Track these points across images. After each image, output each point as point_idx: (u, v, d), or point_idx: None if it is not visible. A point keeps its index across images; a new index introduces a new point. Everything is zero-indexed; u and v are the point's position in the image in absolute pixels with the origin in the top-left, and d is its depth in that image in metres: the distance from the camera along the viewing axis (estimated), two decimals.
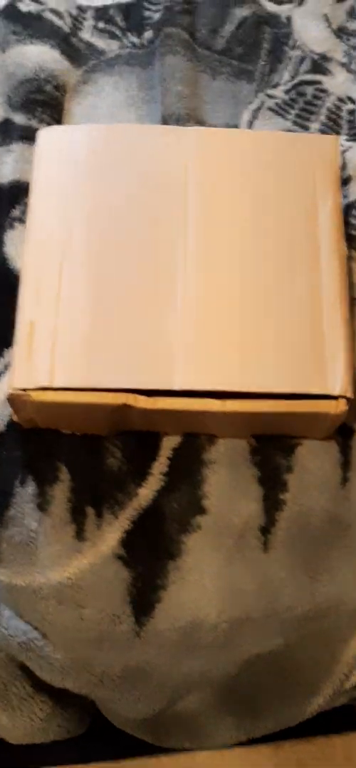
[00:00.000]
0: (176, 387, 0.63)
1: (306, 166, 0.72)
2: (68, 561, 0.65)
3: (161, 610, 0.65)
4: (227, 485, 0.68)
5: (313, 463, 0.68)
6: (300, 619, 0.67)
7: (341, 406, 0.63)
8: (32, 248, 0.69)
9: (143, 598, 0.65)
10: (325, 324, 0.66)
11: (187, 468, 0.68)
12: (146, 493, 0.67)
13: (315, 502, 0.67)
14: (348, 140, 0.83)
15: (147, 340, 0.65)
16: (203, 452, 0.69)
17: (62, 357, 0.64)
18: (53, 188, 0.72)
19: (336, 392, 0.63)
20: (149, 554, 0.66)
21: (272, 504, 0.67)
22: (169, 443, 0.68)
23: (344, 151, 0.82)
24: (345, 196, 0.79)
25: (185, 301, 0.66)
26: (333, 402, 0.63)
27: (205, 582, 0.66)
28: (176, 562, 0.66)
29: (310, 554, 0.66)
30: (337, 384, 0.63)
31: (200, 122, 0.84)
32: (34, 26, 0.89)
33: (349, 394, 0.63)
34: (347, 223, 0.77)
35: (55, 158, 0.74)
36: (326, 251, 0.68)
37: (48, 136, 0.75)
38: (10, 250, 0.75)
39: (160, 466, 0.68)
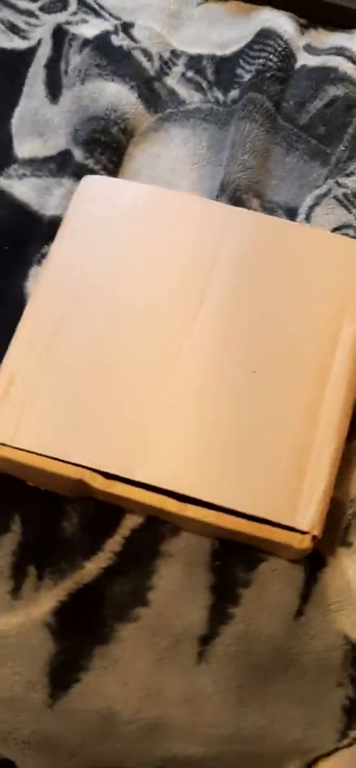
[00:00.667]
0: (137, 478, 0.61)
1: (344, 276, 0.68)
2: None
3: (78, 691, 0.63)
4: (178, 584, 0.64)
5: (273, 584, 0.64)
6: (222, 738, 0.63)
7: (305, 543, 0.59)
8: (39, 295, 0.69)
9: (63, 674, 0.63)
10: (313, 455, 0.61)
11: (141, 553, 0.65)
12: (92, 568, 0.64)
13: (263, 627, 0.63)
14: None
15: (122, 424, 0.63)
16: (163, 542, 0.65)
17: (32, 417, 0.63)
18: (78, 239, 0.72)
19: (302, 527, 0.59)
20: (79, 632, 0.64)
21: (218, 615, 0.63)
22: (129, 522, 0.65)
23: None
24: None
25: (171, 394, 0.64)
26: (298, 536, 0.59)
27: (129, 677, 0.63)
28: (103, 648, 0.63)
29: (245, 679, 0.62)
30: (306, 519, 0.59)
31: (260, 196, 0.81)
32: (119, 63, 0.89)
33: (316, 532, 0.59)
34: None
35: (89, 209, 0.73)
36: (336, 378, 0.64)
37: (90, 183, 0.75)
38: (31, 286, 0.75)
39: (113, 545, 0.65)
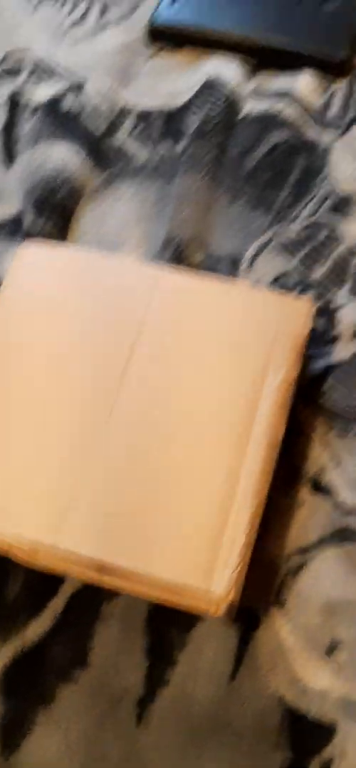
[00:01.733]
0: (58, 545, 0.60)
1: (267, 332, 0.67)
2: None
3: (27, 750, 0.62)
4: (116, 646, 0.64)
5: (208, 647, 0.63)
6: None
7: (221, 609, 0.58)
8: None
9: (13, 733, 0.62)
10: (231, 518, 0.60)
11: (81, 615, 0.64)
12: (36, 629, 0.64)
13: (199, 690, 0.62)
14: (348, 295, 0.76)
15: (44, 490, 0.62)
16: (102, 604, 0.65)
17: None
18: (12, 306, 0.72)
19: (218, 592, 0.58)
20: (24, 692, 0.63)
21: (155, 678, 0.62)
22: (71, 584, 0.65)
23: (339, 308, 0.75)
24: (325, 355, 0.73)
25: (93, 461, 0.63)
26: (213, 601, 0.58)
27: (70, 738, 0.62)
28: (46, 708, 0.62)
29: (183, 743, 0.61)
30: (222, 583, 0.58)
31: (203, 249, 0.80)
32: (69, 125, 0.89)
33: (231, 598, 0.57)
34: (320, 386, 0.71)
35: (24, 275, 0.73)
36: (258, 433, 0.63)
37: (27, 249, 0.75)
38: None
39: (55, 606, 0.65)
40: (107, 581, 0.60)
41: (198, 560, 0.59)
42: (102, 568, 0.60)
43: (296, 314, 0.68)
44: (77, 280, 0.72)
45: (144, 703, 0.61)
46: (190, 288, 0.71)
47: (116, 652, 0.63)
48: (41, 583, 0.65)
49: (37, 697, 0.62)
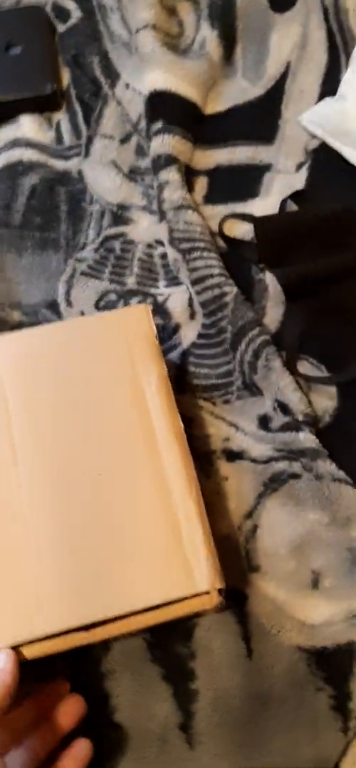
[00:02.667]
0: (38, 635, 0.56)
1: (122, 347, 0.66)
2: None
3: None
4: (134, 691, 0.61)
5: (215, 642, 0.62)
6: None
7: (214, 600, 0.57)
8: None
9: None
10: (179, 516, 0.59)
11: (87, 685, 0.60)
12: None
13: (228, 683, 0.61)
14: (167, 286, 0.78)
15: (7, 593, 0.57)
16: (100, 664, 0.61)
17: None
18: None
19: (204, 588, 0.57)
20: None
21: (184, 698, 0.61)
22: (63, 662, 0.60)
23: (165, 300, 0.77)
24: (177, 345, 0.74)
25: (36, 537, 0.59)
26: (205, 597, 0.57)
27: None
28: None
29: (238, 735, 0.60)
30: (204, 577, 0.57)
31: (16, 306, 0.77)
32: None
33: (218, 585, 0.57)
34: (186, 372, 0.73)
35: None
36: (162, 435, 0.62)
37: None
38: None
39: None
40: (99, 635, 0.57)
41: (172, 571, 0.58)
42: (90, 628, 0.57)
43: (138, 320, 0.68)
44: None
45: (187, 725, 0.60)
46: (34, 343, 0.68)
47: (137, 697, 0.61)
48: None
49: None
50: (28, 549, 0.59)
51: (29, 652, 0.56)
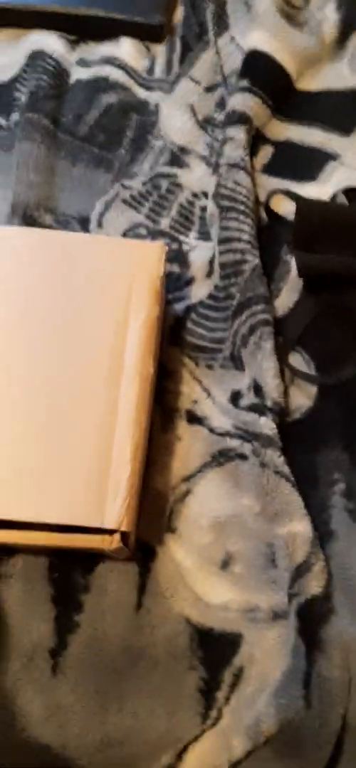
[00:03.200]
0: None
1: (125, 276, 0.65)
2: None
3: None
4: (20, 603, 0.61)
5: (111, 584, 0.61)
6: (94, 745, 0.59)
7: (115, 542, 0.56)
8: None
9: None
10: (114, 452, 0.59)
11: None
12: None
13: (109, 627, 0.60)
14: (197, 238, 0.76)
15: None
16: (0, 565, 0.62)
17: None
18: None
19: (110, 526, 0.56)
20: None
21: (64, 625, 0.60)
22: None
23: (190, 250, 0.75)
24: (185, 298, 0.72)
25: None
26: (107, 537, 0.57)
27: None
28: None
29: (101, 682, 0.59)
30: (113, 517, 0.56)
31: (51, 211, 0.77)
32: None
33: (124, 527, 0.56)
34: (183, 327, 0.71)
35: None
36: (128, 372, 0.62)
37: None
38: None
39: None
40: (4, 537, 0.57)
41: (88, 499, 0.58)
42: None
43: (150, 257, 0.67)
44: None
45: (57, 652, 0.59)
46: (41, 243, 0.68)
47: (21, 609, 0.60)
48: None
49: None
50: None
51: None
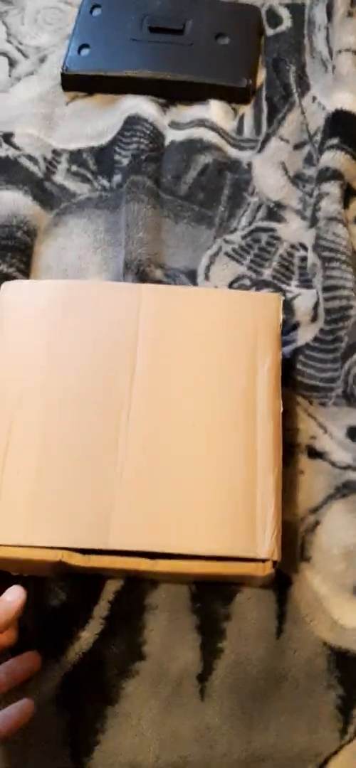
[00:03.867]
0: (109, 546, 0.61)
1: (250, 325, 0.71)
2: None
3: (100, 752, 0.62)
4: (167, 632, 0.65)
5: (251, 612, 0.65)
6: (238, 763, 0.63)
7: (267, 569, 0.61)
8: None
9: (82, 741, 0.62)
10: (258, 486, 0.63)
11: (128, 612, 0.65)
12: (87, 636, 0.64)
13: (251, 652, 0.64)
14: (298, 286, 0.81)
15: (85, 499, 0.63)
16: (145, 597, 0.66)
17: (3, 513, 0.63)
18: (11, 343, 0.71)
19: (262, 556, 0.61)
20: (88, 698, 0.63)
21: (209, 652, 0.64)
22: (111, 586, 0.66)
23: (293, 298, 0.80)
24: (292, 341, 0.77)
25: (124, 460, 0.64)
26: (260, 565, 0.61)
27: (142, 727, 0.62)
28: (114, 707, 0.63)
29: (246, 703, 0.63)
30: (265, 547, 0.61)
31: (161, 266, 0.82)
32: (9, 171, 0.89)
33: (276, 557, 0.61)
34: (293, 368, 0.75)
35: (15, 313, 0.73)
36: (262, 411, 0.66)
37: (10, 289, 0.74)
38: None
39: (101, 610, 0.65)
40: (161, 567, 0.61)
41: (240, 531, 0.62)
42: (155, 556, 0.62)
43: (270, 308, 0.72)
44: (65, 307, 0.73)
45: (204, 677, 0.63)
46: (173, 298, 0.74)
47: (168, 637, 0.64)
48: (83, 592, 0.66)
49: (102, 698, 0.63)
50: (114, 466, 0.64)
51: (95, 561, 0.62)
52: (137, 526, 0.62)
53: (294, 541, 0.67)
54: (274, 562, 0.61)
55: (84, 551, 0.62)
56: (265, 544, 0.61)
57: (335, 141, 0.86)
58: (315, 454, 0.71)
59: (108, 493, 0.63)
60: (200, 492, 0.63)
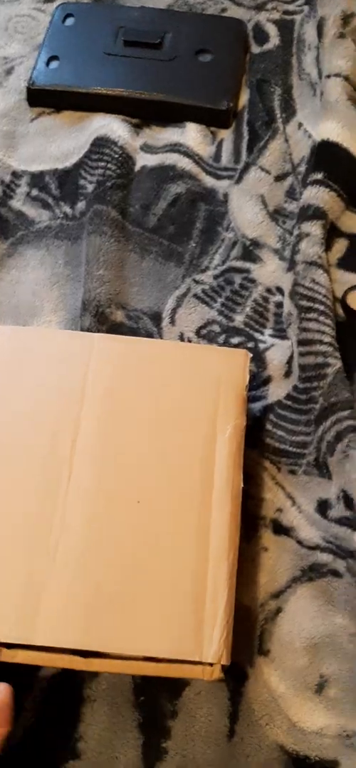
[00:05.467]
0: (36, 642, 0.56)
1: (211, 385, 0.66)
2: None
3: None
4: (106, 728, 0.60)
5: (200, 710, 0.60)
6: None
7: (215, 674, 0.55)
8: None
9: None
10: (209, 576, 0.58)
11: (63, 704, 0.61)
12: (16, 730, 0.60)
13: (199, 755, 0.59)
14: (272, 336, 0.76)
15: (13, 585, 0.58)
16: (84, 687, 0.61)
17: None
18: None
19: (210, 659, 0.55)
20: None
21: (152, 752, 0.59)
22: (47, 671, 0.61)
23: (266, 349, 0.75)
24: (262, 398, 0.72)
25: (59, 540, 0.59)
26: (207, 668, 0.55)
27: None
28: None
29: None
30: (212, 650, 0.55)
31: (123, 307, 0.78)
32: None
33: (224, 662, 0.55)
34: (262, 428, 0.71)
35: None
36: (219, 487, 0.61)
37: None
38: None
39: (33, 700, 0.61)
40: (95, 667, 0.57)
41: (185, 630, 0.57)
42: (89, 655, 0.56)
43: (235, 365, 0.68)
44: (9, 355, 0.68)
45: None
46: (127, 351, 0.69)
47: (107, 734, 0.60)
48: (14, 680, 0.60)
49: None
50: (47, 548, 0.59)
51: (22, 657, 0.56)
52: (70, 619, 0.56)
53: (253, 630, 0.63)
54: (223, 666, 0.55)
55: (9, 645, 0.56)
56: (213, 646, 0.55)
57: (319, 176, 0.81)
58: (280, 529, 0.66)
59: (39, 579, 0.58)
60: (142, 582, 0.58)
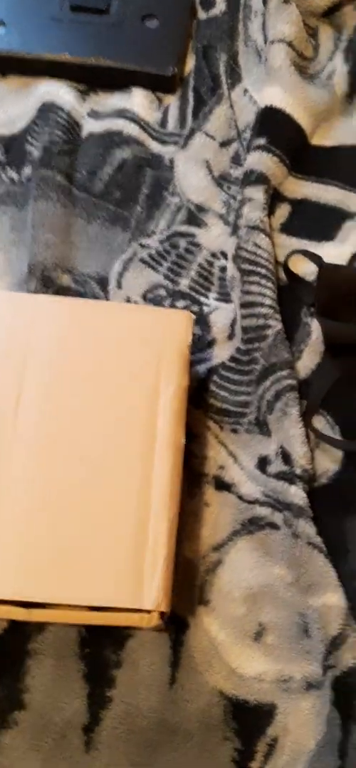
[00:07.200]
0: None
1: (154, 344, 0.69)
2: None
3: None
4: (51, 680, 0.64)
5: (143, 659, 0.64)
6: None
7: (153, 620, 0.59)
8: None
9: None
10: (150, 528, 0.62)
11: (9, 657, 0.64)
12: None
13: (142, 702, 0.63)
14: (216, 299, 0.80)
15: None
16: (30, 641, 0.65)
17: None
18: None
19: (148, 607, 0.59)
20: None
21: (97, 701, 0.63)
22: None
23: (210, 312, 0.79)
24: (207, 360, 0.76)
25: (3, 498, 0.62)
26: (145, 616, 0.59)
27: None
28: None
29: (135, 756, 0.62)
30: (152, 597, 0.59)
31: (69, 271, 0.81)
32: None
33: (163, 608, 0.59)
34: (206, 389, 0.74)
35: None
36: (161, 443, 0.65)
37: None
38: None
39: None
40: (36, 617, 0.60)
41: (125, 579, 0.60)
42: (30, 605, 0.60)
43: (178, 326, 0.71)
44: None
45: (90, 728, 0.62)
46: (71, 312, 0.71)
47: (52, 685, 0.63)
48: None
49: None
50: None
51: None
52: (9, 570, 0.60)
53: (194, 581, 0.67)
54: (162, 613, 0.59)
55: None
56: (152, 593, 0.59)
57: (262, 141, 0.85)
58: (222, 485, 0.70)
59: None
60: (84, 534, 0.61)
